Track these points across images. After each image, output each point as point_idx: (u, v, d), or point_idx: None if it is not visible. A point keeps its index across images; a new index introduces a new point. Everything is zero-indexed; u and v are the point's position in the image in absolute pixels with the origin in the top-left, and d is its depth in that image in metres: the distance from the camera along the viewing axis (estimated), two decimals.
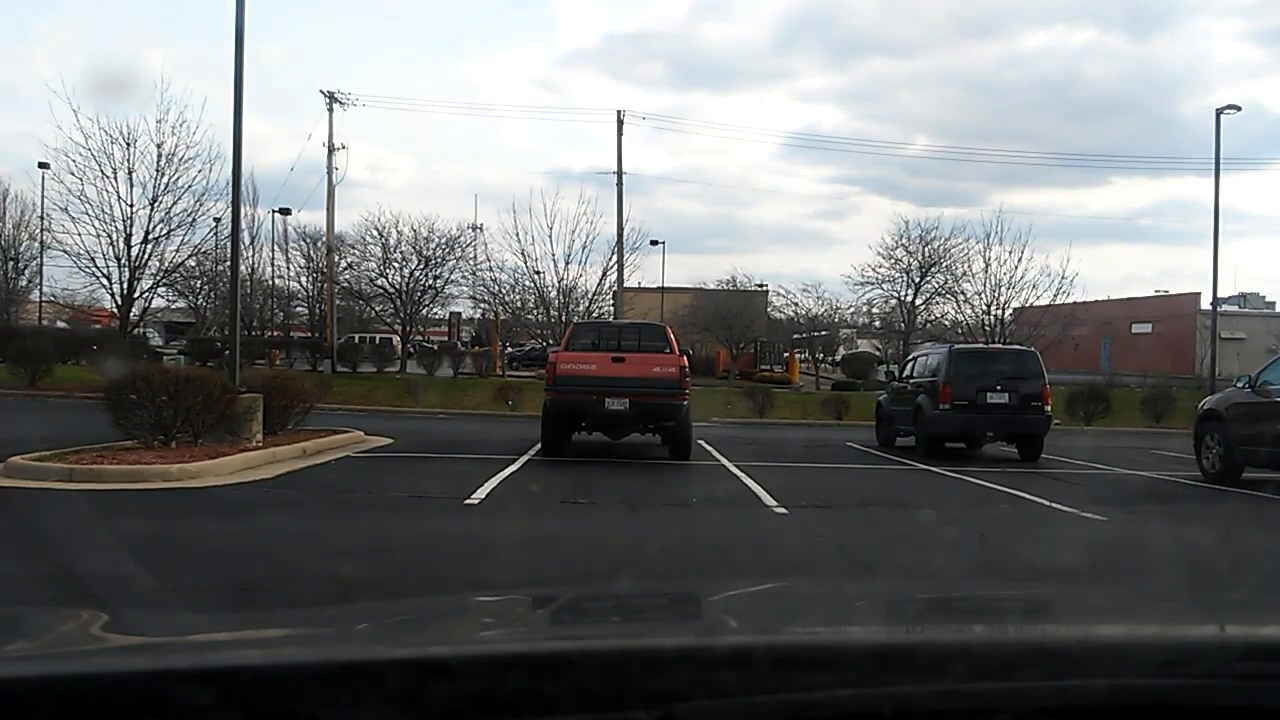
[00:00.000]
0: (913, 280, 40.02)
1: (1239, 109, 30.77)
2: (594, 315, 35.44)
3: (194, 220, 29.63)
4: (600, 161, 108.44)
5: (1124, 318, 51.90)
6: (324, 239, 40.01)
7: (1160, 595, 3.59)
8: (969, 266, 37.79)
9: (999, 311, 36.54)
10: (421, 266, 39.29)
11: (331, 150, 38.21)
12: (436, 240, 39.52)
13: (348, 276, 41.14)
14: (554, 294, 37.15)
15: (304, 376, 23.85)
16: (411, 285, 39.31)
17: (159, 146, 28.13)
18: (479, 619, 2.06)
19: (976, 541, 8.45)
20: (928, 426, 15.97)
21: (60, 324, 40.33)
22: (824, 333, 50.26)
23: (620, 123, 39.42)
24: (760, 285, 52.95)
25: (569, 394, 13.69)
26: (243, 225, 19.90)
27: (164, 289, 35.16)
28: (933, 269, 39.57)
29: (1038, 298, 36.71)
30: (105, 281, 29.33)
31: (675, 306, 49.00)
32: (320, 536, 7.80)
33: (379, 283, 40.55)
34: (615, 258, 37.58)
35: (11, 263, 41.02)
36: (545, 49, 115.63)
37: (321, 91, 39.22)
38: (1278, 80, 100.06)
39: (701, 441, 15.41)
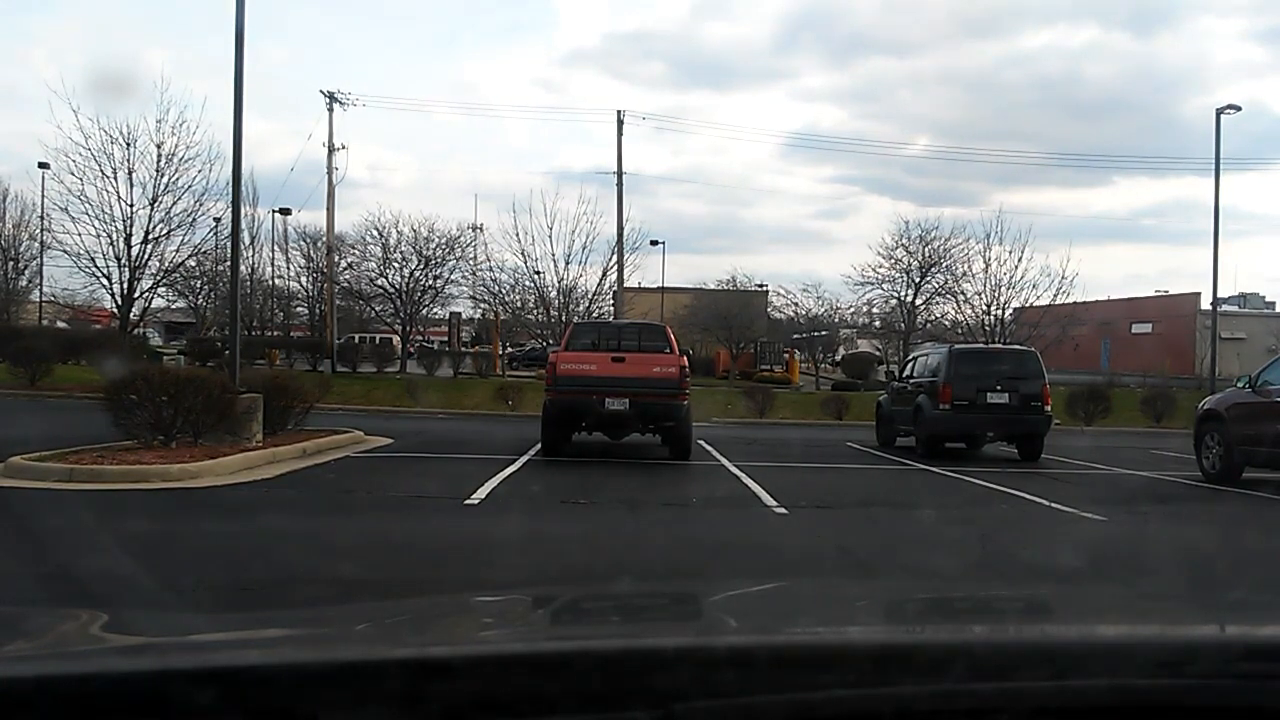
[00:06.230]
0: (913, 280, 40.02)
1: (1239, 109, 30.76)
2: (594, 315, 35.42)
3: (194, 220, 29.68)
4: (600, 161, 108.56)
5: (1124, 318, 51.89)
6: (324, 239, 40.01)
7: (1160, 595, 3.59)
8: (969, 266, 37.80)
9: (999, 311, 36.55)
10: (421, 266, 39.26)
11: (331, 150, 38.23)
12: (436, 240, 39.52)
13: (348, 276, 41.11)
14: (554, 294, 37.17)
15: (304, 376, 23.88)
16: (411, 285, 39.28)
17: (159, 146, 28.17)
18: (479, 619, 2.06)
19: (976, 541, 8.45)
20: (928, 426, 15.97)
21: (60, 324, 40.31)
22: (824, 333, 50.25)
23: (620, 123, 39.47)
24: (760, 285, 53.04)
25: (569, 394, 13.68)
26: (243, 225, 19.89)
27: (164, 289, 35.23)
28: (933, 269, 39.55)
29: (1038, 298, 36.75)
30: (105, 281, 29.38)
31: (675, 306, 48.98)
32: (320, 536, 7.80)
33: (379, 283, 40.51)
34: (615, 258, 37.60)
35: (11, 263, 41.00)
36: (546, 49, 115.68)
37: (321, 91, 39.19)
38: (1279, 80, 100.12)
39: (701, 441, 15.41)
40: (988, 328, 35.95)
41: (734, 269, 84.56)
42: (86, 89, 35.65)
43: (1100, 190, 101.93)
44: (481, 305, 43.45)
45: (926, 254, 39.49)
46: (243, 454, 11.80)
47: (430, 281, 39.78)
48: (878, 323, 47.48)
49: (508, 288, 39.38)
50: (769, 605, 2.19)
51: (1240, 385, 13.58)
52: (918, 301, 40.18)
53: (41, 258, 37.26)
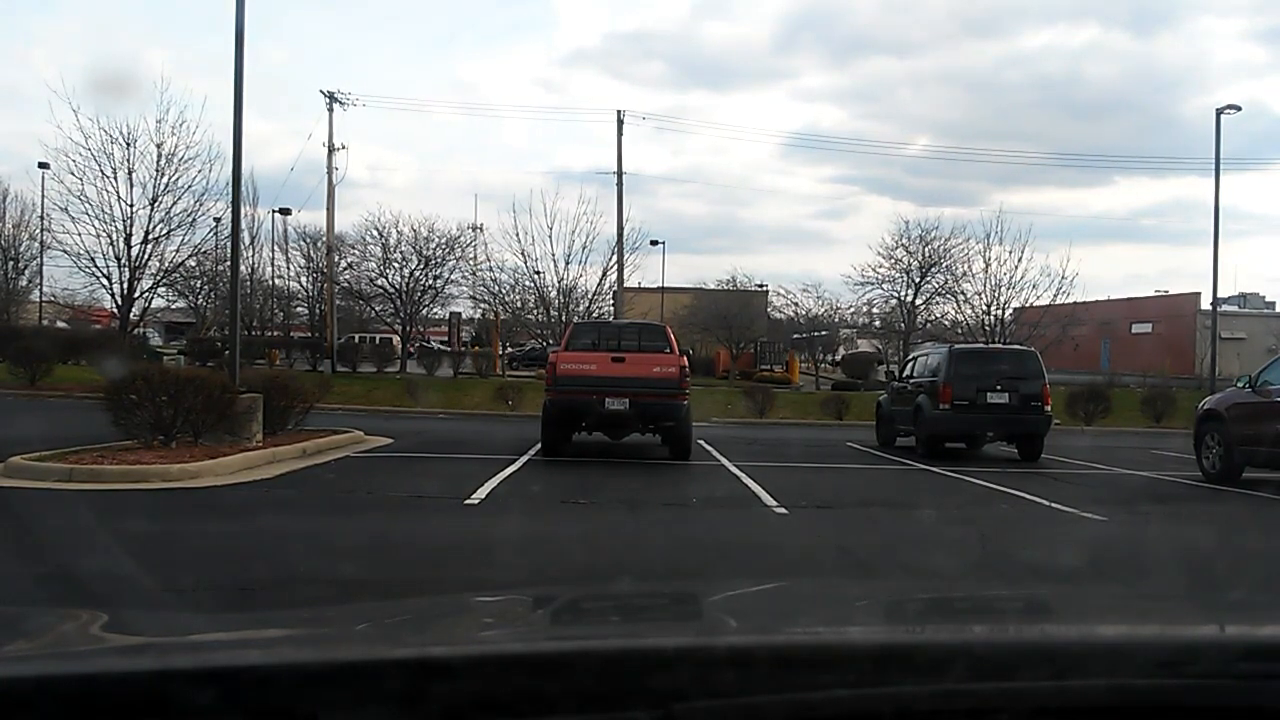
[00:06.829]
0: (913, 280, 40.00)
1: (1239, 109, 30.77)
2: (594, 315, 35.41)
3: (194, 220, 29.74)
4: (600, 161, 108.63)
5: (1124, 318, 51.89)
6: (324, 239, 40.01)
7: (1160, 595, 3.59)
8: (969, 266, 37.81)
9: (999, 311, 36.56)
10: (421, 266, 39.23)
11: (331, 150, 38.24)
12: (436, 240, 39.48)
13: (348, 276, 41.08)
14: (554, 294, 37.16)
15: (304, 376, 23.87)
16: (411, 285, 39.26)
17: (159, 146, 28.23)
18: (479, 619, 2.06)
19: (977, 542, 8.45)
20: (928, 426, 15.97)
21: (60, 324, 40.31)
22: (824, 333, 50.24)
23: (620, 123, 39.47)
24: (760, 285, 53.06)
25: (569, 394, 13.69)
26: (243, 225, 19.88)
27: (164, 289, 35.22)
28: (933, 269, 39.54)
29: (1038, 298, 36.76)
30: (105, 281, 29.44)
31: (675, 306, 48.98)
32: (320, 536, 7.79)
33: (379, 283, 40.47)
34: (615, 258, 37.60)
35: (11, 263, 41.00)
36: (546, 49, 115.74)
37: (321, 91, 39.21)
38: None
39: (701, 441, 15.41)
40: (988, 328, 35.95)
41: (734, 269, 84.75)
42: (86, 89, 35.61)
43: (1100, 190, 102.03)
44: (481, 305, 43.47)
45: (926, 254, 39.53)
46: (243, 454, 11.80)
47: (430, 281, 39.78)
48: (878, 323, 47.48)
49: (508, 288, 39.44)
50: (769, 605, 2.19)
51: (1240, 385, 13.58)
52: (918, 301, 40.20)
53: (41, 258, 37.36)
